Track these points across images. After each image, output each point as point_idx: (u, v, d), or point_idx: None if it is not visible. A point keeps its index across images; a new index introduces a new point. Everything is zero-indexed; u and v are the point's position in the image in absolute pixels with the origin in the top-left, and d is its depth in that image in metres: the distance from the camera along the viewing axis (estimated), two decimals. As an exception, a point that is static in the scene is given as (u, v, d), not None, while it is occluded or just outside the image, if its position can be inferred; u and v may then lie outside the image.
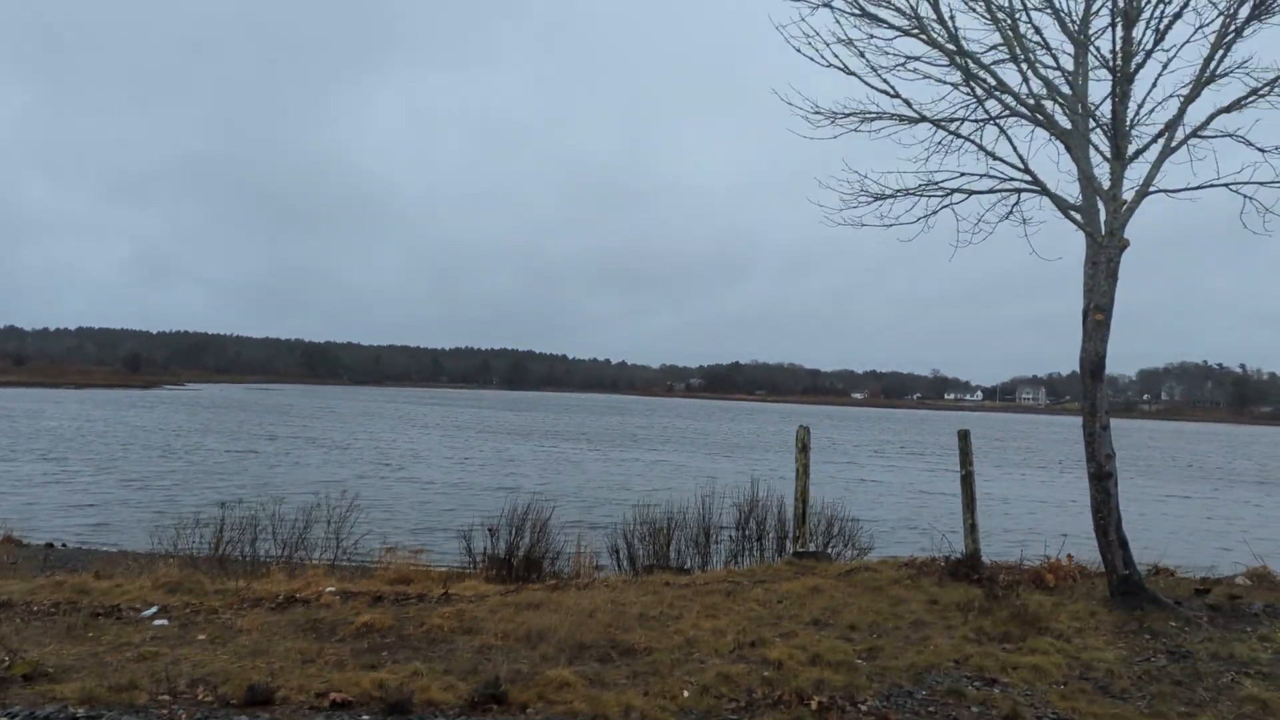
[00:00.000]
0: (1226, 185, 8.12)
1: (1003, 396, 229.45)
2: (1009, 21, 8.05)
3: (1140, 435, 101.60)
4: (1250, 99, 8.23)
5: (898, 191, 8.73)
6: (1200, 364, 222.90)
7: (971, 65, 7.99)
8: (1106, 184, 8.02)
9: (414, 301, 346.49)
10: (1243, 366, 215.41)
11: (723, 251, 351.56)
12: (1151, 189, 8.15)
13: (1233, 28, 7.89)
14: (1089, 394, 8.05)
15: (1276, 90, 8.11)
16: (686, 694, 5.81)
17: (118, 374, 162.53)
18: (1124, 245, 7.98)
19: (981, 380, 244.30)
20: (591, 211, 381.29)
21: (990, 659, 6.60)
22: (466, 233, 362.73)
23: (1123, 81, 7.88)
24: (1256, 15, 7.55)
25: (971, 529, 10.70)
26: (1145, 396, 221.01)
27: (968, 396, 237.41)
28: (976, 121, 8.34)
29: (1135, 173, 8.40)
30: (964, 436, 11.04)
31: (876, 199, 8.87)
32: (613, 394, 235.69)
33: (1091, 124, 8.15)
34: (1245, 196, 8.24)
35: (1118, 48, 7.88)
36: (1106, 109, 8.29)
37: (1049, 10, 8.12)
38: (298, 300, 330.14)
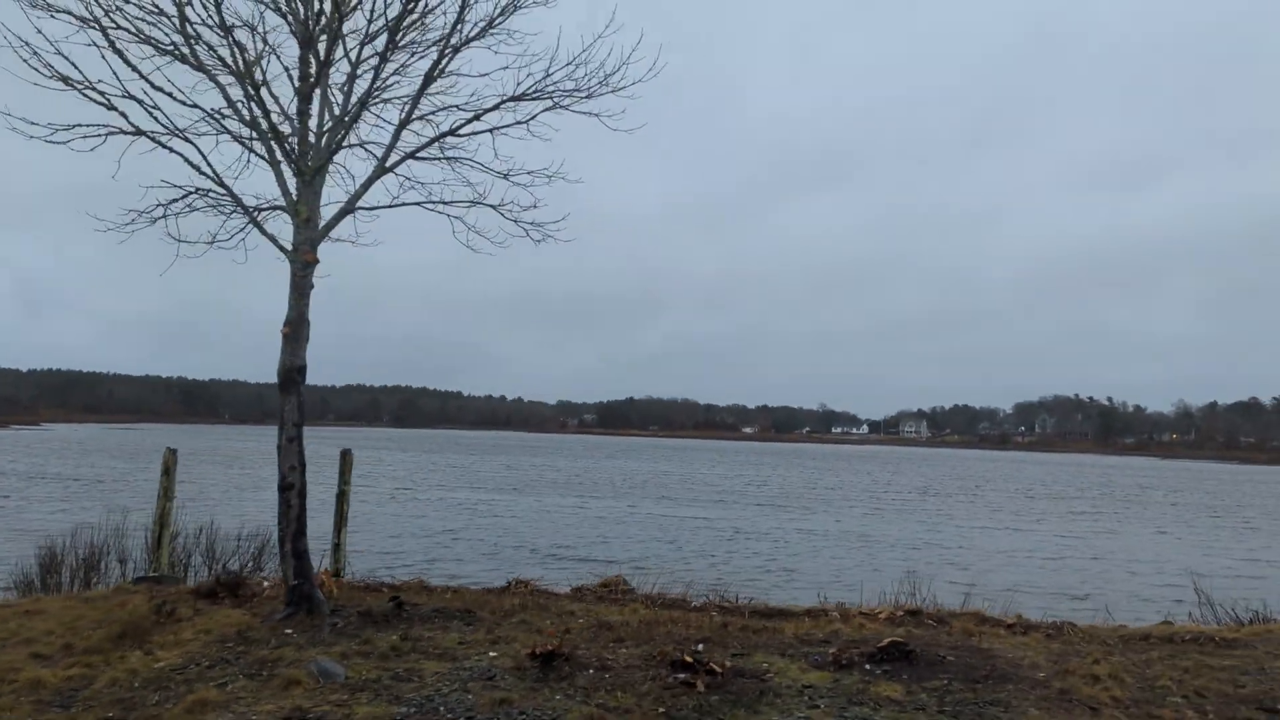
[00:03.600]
0: (419, 204, 8.47)
1: (887, 430, 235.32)
2: (194, 38, 8.17)
3: (973, 465, 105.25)
4: (467, 125, 8.65)
5: (146, 211, 8.78)
6: (1071, 397, 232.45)
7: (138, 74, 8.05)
8: (296, 200, 8.24)
9: (312, 337, 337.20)
10: (1109, 399, 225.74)
11: (636, 286, 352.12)
12: (358, 207, 8.45)
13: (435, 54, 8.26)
14: (280, 407, 8.19)
15: (483, 122, 8.53)
16: None
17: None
18: (310, 261, 8.20)
19: (870, 414, 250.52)
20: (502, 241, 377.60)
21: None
22: (369, 264, 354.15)
23: (302, 101, 8.15)
24: (390, 49, 7.93)
25: (335, 548, 10.80)
26: (1020, 429, 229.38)
27: (854, 430, 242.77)
28: (179, 135, 8.39)
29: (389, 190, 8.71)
30: (344, 455, 11.18)
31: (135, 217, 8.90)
32: (505, 430, 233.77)
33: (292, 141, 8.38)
34: (450, 217, 8.60)
35: (295, 68, 8.16)
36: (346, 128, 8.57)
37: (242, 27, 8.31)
38: (187, 336, 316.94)
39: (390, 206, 8.44)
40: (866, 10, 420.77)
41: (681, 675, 6.80)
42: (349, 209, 8.37)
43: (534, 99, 8.63)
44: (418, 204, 8.46)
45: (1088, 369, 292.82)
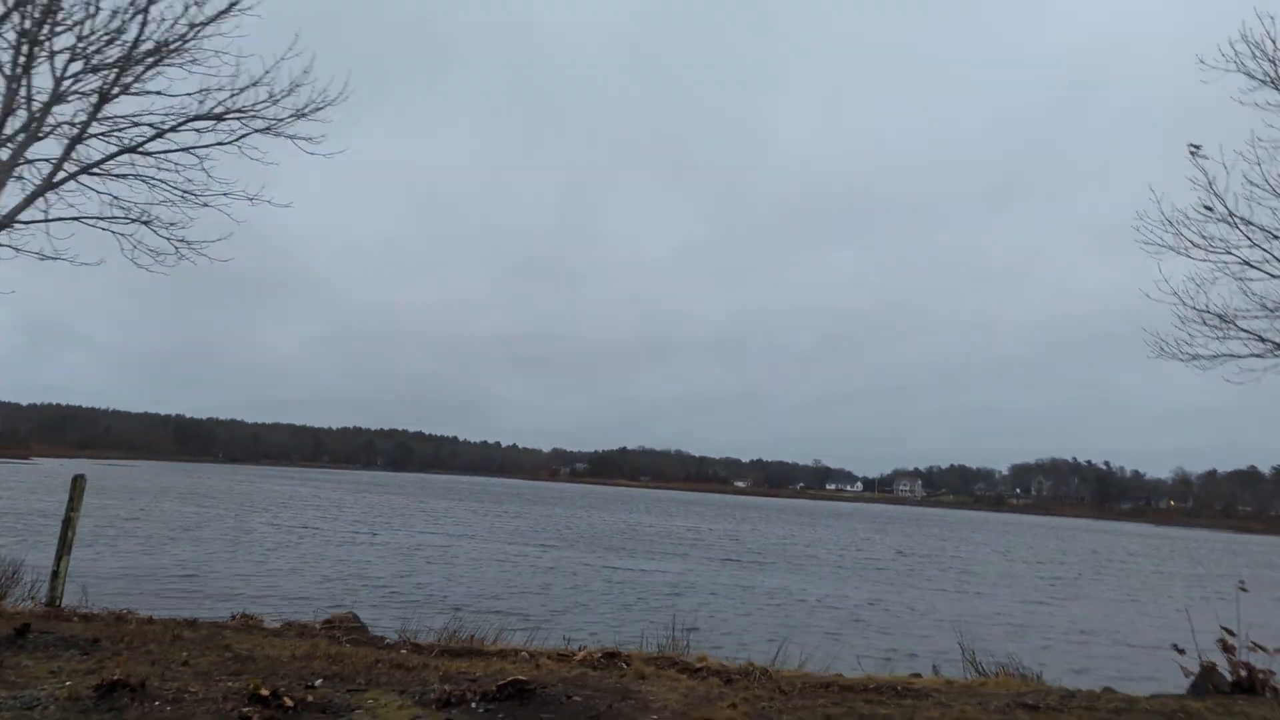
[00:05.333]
0: (77, 219, 8.27)
1: (882, 488, 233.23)
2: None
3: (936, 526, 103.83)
4: (151, 142, 8.49)
5: None
6: (1069, 460, 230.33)
7: None
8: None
9: (315, 379, 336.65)
10: (1107, 464, 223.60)
11: (643, 335, 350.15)
12: (19, 221, 8.24)
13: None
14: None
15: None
16: None
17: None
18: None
19: (866, 471, 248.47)
20: (516, 290, 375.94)
21: None
22: (382, 308, 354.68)
23: (-40, 109, 7.99)
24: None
25: (54, 575, 10.42)
26: (1017, 491, 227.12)
27: (848, 487, 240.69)
28: None
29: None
30: (75, 482, 10.85)
31: None
32: (497, 477, 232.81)
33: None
34: (115, 234, 8.39)
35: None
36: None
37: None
38: (190, 374, 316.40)
39: (43, 221, 8.23)
40: (899, 61, 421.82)
41: (246, 709, 6.39)
42: (5, 223, 8.16)
43: (219, 119, 8.50)
44: (75, 219, 8.26)
45: (1091, 433, 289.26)
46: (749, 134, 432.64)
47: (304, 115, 8.61)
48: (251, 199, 8.90)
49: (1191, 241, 9.73)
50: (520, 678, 7.22)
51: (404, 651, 8.90)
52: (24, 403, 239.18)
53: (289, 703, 6.46)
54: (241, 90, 8.34)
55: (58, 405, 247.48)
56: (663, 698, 7.40)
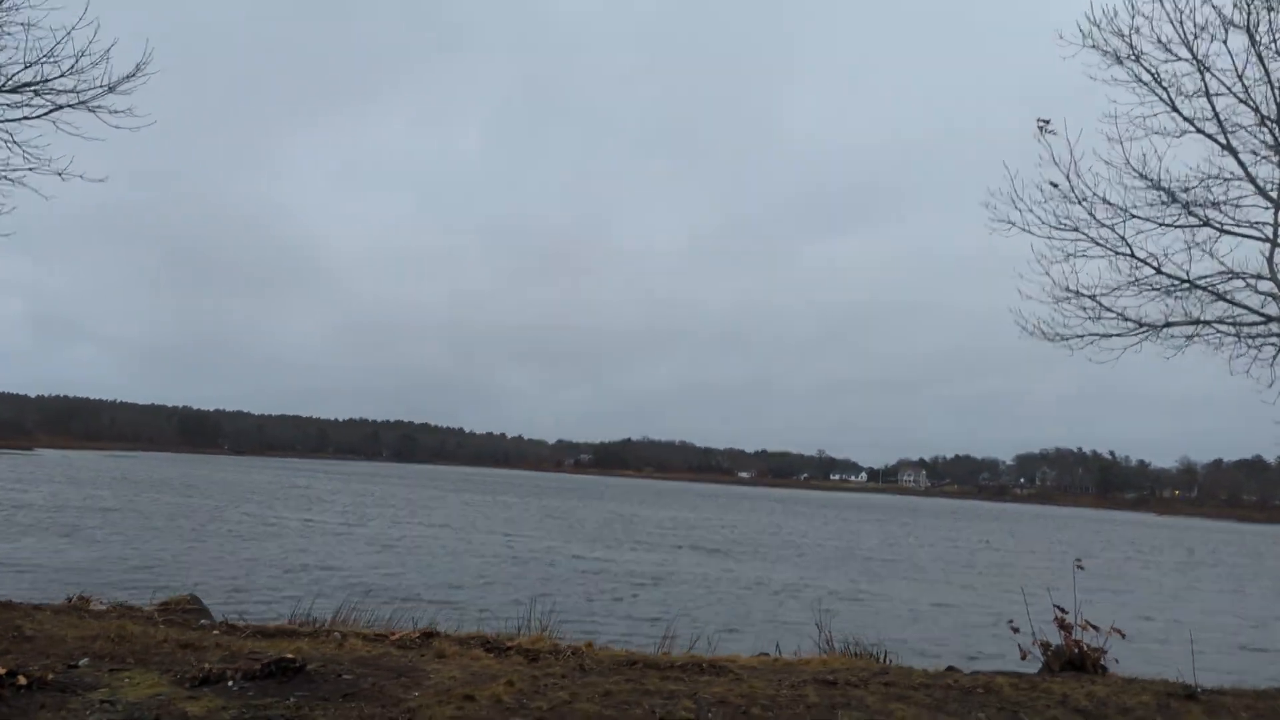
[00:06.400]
0: None
1: (886, 479, 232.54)
2: None
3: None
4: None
5: None
6: (1073, 450, 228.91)
7: None
8: None
9: (321, 370, 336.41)
10: (1112, 453, 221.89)
11: (650, 325, 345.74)
12: None
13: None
14: None
15: None
16: None
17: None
18: None
19: (871, 461, 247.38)
20: (522, 281, 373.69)
21: None
22: (390, 299, 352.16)
23: None
24: None
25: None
26: (1021, 481, 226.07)
27: (853, 477, 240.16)
28: None
29: None
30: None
31: None
32: (501, 468, 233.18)
33: None
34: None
35: None
36: None
37: None
38: (199, 366, 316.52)
39: None
40: (909, 48, 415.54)
41: (-27, 687, 6.22)
42: None
43: (14, 92, 8.35)
44: None
45: (1097, 422, 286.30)
46: (758, 122, 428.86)
47: (113, 89, 8.46)
48: (60, 174, 8.73)
49: (1039, 218, 9.45)
50: (287, 656, 7.02)
51: (215, 633, 8.73)
52: (32, 395, 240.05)
53: (23, 681, 6.27)
54: (31, 64, 8.17)
55: (64, 397, 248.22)
56: (445, 675, 7.20)
